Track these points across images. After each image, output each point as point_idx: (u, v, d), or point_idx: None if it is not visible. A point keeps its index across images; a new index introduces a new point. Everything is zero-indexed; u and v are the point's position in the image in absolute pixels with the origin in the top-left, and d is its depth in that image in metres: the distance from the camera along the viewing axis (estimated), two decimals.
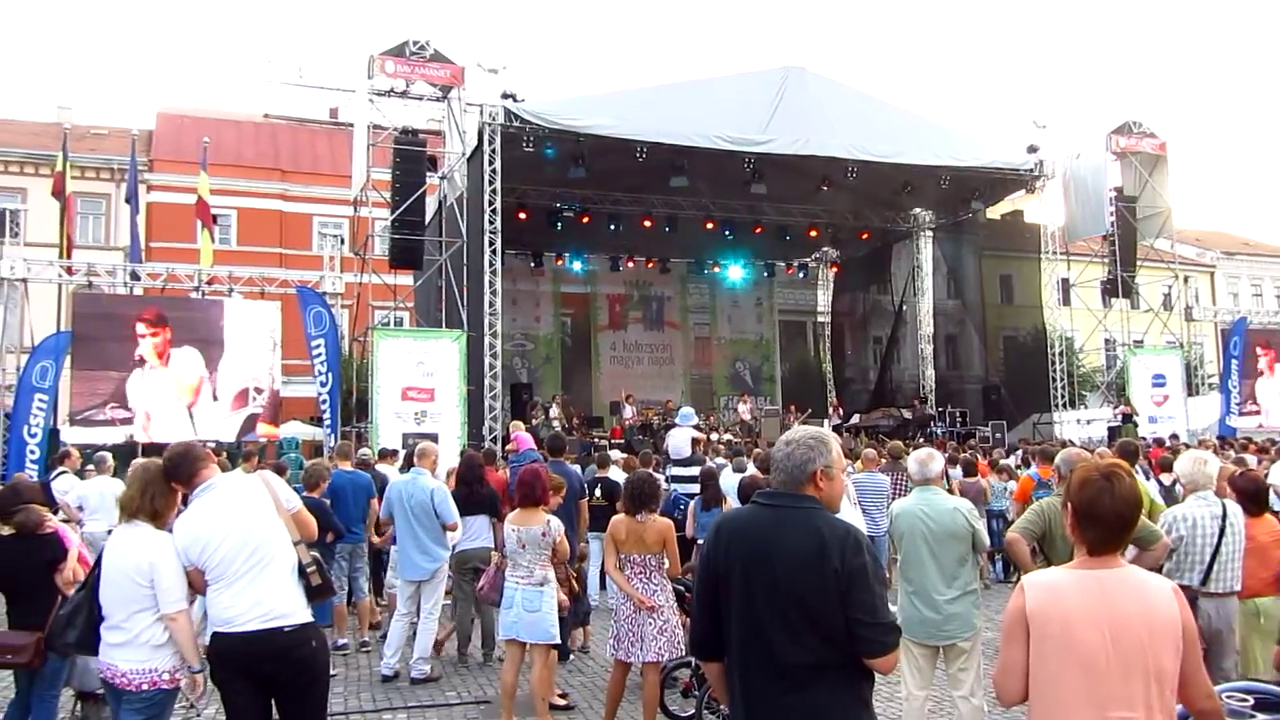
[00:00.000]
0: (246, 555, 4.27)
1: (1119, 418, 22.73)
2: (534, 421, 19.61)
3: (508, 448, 13.41)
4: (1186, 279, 33.28)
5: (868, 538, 3.15)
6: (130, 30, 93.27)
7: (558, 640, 6.69)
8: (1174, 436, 18.98)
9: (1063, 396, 24.57)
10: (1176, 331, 25.97)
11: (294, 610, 4.30)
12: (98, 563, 4.48)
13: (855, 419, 26.74)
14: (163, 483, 4.47)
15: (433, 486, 8.01)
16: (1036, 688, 2.72)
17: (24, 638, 5.32)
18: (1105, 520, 2.73)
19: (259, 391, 18.56)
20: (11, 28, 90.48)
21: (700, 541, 9.02)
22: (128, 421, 17.53)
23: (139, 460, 4.93)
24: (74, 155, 24.66)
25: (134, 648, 4.26)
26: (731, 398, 29.34)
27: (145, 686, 4.26)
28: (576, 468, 11.09)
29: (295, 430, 22.76)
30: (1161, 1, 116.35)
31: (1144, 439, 17.95)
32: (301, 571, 4.37)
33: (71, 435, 17.28)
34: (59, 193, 21.63)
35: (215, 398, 18.22)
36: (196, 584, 4.43)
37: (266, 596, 4.24)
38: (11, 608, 5.72)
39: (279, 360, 19.05)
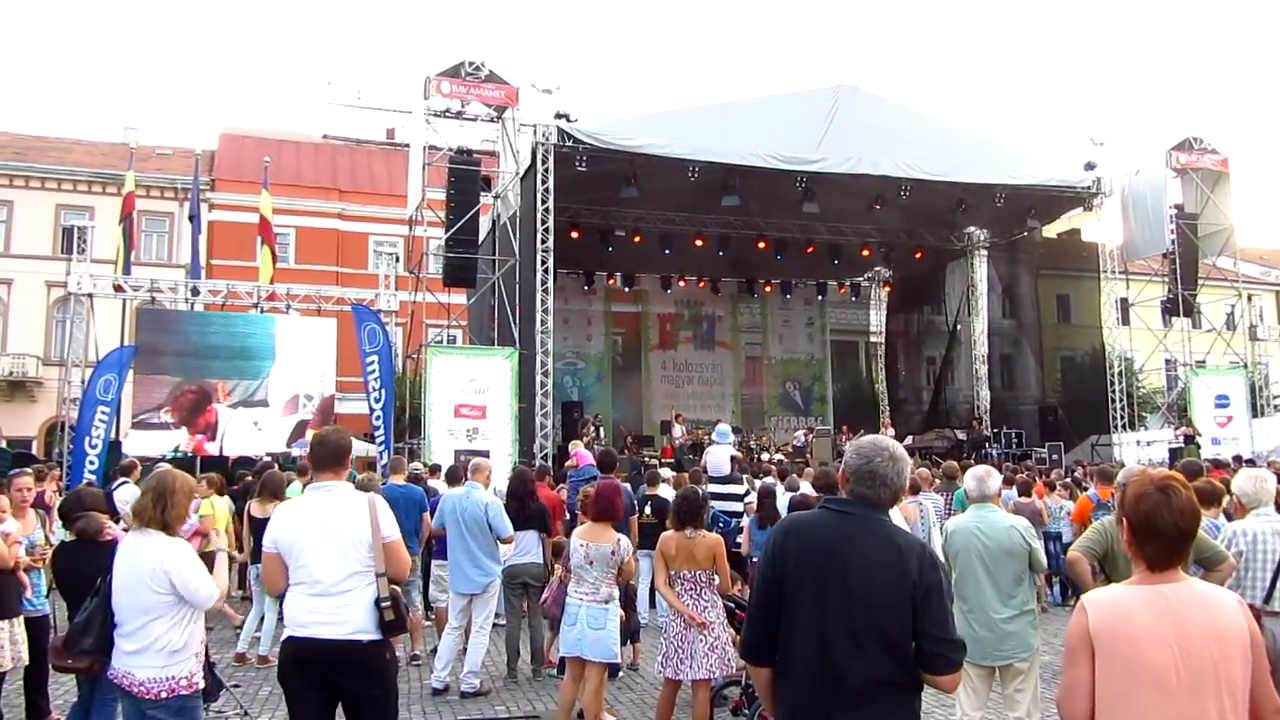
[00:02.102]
0: (342, 570, 4.32)
1: (1181, 439, 22.25)
2: (586, 439, 19.67)
3: (567, 464, 13.61)
4: (1250, 297, 32.52)
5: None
6: (195, 52, 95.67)
7: (618, 659, 6.68)
8: (1237, 458, 18.49)
9: (1122, 418, 24.09)
10: (1240, 351, 25.37)
11: (371, 627, 4.35)
12: (109, 569, 4.49)
13: (909, 440, 26.42)
14: (175, 494, 4.45)
15: (486, 500, 8.05)
16: (1105, 708, 2.64)
17: None
18: (1164, 534, 2.66)
19: (309, 399, 19.01)
20: (81, 51, 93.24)
21: (755, 559, 8.97)
22: (178, 426, 18.11)
23: (158, 468, 4.96)
24: (139, 174, 25.34)
25: (150, 654, 4.28)
26: (783, 417, 29.26)
27: (164, 695, 4.27)
28: (627, 485, 11.08)
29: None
30: (1220, 15, 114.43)
31: (1206, 461, 17.54)
32: (376, 604, 4.37)
33: (132, 439, 17.87)
34: (129, 214, 22.23)
35: (267, 404, 18.69)
36: (274, 573, 4.47)
37: (352, 615, 4.30)
38: (73, 612, 5.83)
39: (332, 371, 19.43)
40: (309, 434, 18.68)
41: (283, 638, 4.47)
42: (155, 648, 4.28)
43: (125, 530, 7.61)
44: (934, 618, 2.86)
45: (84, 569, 5.72)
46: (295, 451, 17.84)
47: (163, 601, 4.28)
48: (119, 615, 4.35)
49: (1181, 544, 2.70)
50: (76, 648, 4.47)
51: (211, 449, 18.38)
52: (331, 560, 4.34)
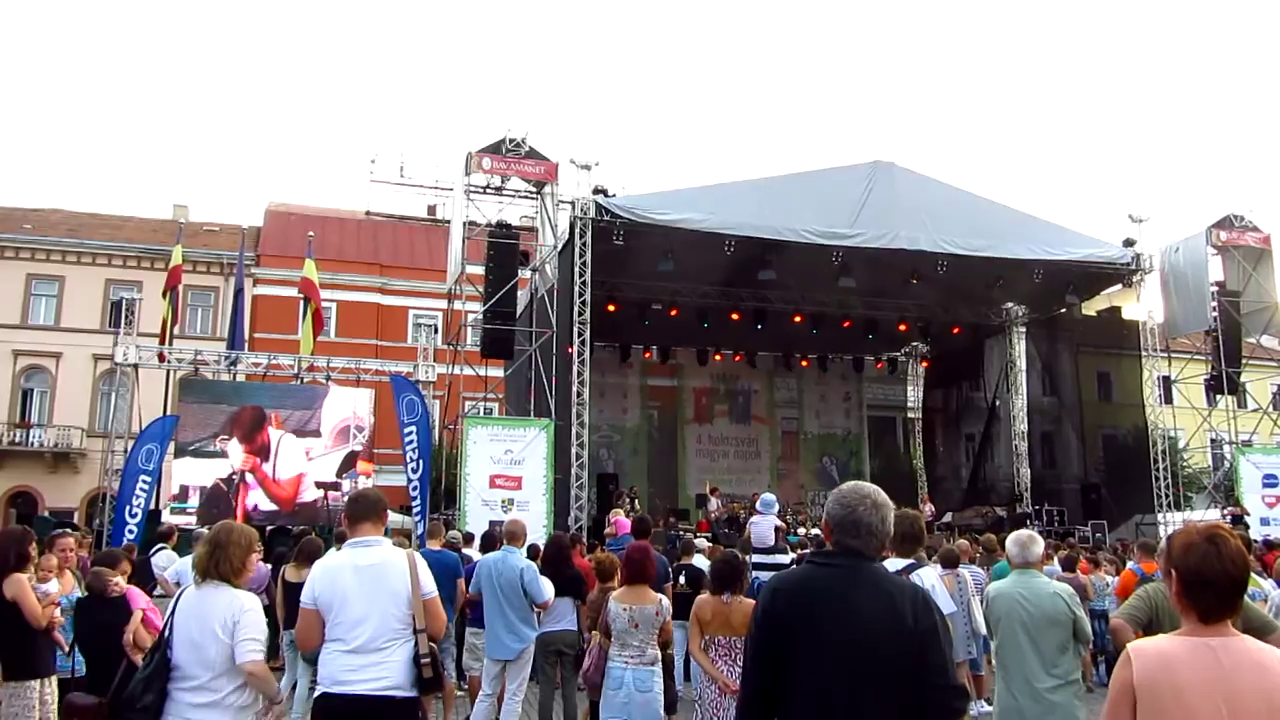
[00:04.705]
0: (381, 626, 4.33)
1: (1228, 518, 21.70)
2: (623, 510, 19.63)
3: (606, 531, 13.68)
4: None
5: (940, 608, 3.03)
6: (244, 131, 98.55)
7: None
8: None
9: (1166, 497, 23.55)
10: None
11: (407, 684, 4.35)
12: (167, 623, 4.48)
13: (948, 517, 26.06)
14: (229, 546, 4.44)
15: (523, 565, 7.98)
16: None
17: (87, 700, 5.21)
18: (1216, 583, 2.59)
19: (359, 430, 19.35)
20: (133, 132, 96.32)
21: None
22: (240, 441, 18.67)
23: (221, 522, 5.00)
24: (187, 250, 25.98)
25: (220, 710, 4.24)
26: (820, 493, 28.96)
27: None
28: (662, 556, 10.98)
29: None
30: (1260, 92, 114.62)
31: (1257, 541, 17.12)
32: (415, 660, 4.37)
33: (180, 467, 18.21)
34: (174, 286, 22.76)
35: (319, 434, 19.36)
36: (310, 630, 4.44)
37: (390, 672, 4.31)
38: (89, 670, 5.85)
39: (372, 415, 19.88)
40: (359, 465, 19.21)
41: (316, 695, 4.44)
42: (225, 703, 4.25)
43: (161, 597, 7.70)
44: (933, 664, 2.77)
45: (94, 624, 5.78)
46: (346, 484, 18.23)
47: (233, 655, 4.27)
48: (187, 669, 4.30)
49: (1233, 594, 2.62)
50: (139, 704, 4.41)
51: (266, 470, 18.76)
52: (371, 616, 4.35)
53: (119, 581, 6.21)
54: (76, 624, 6.17)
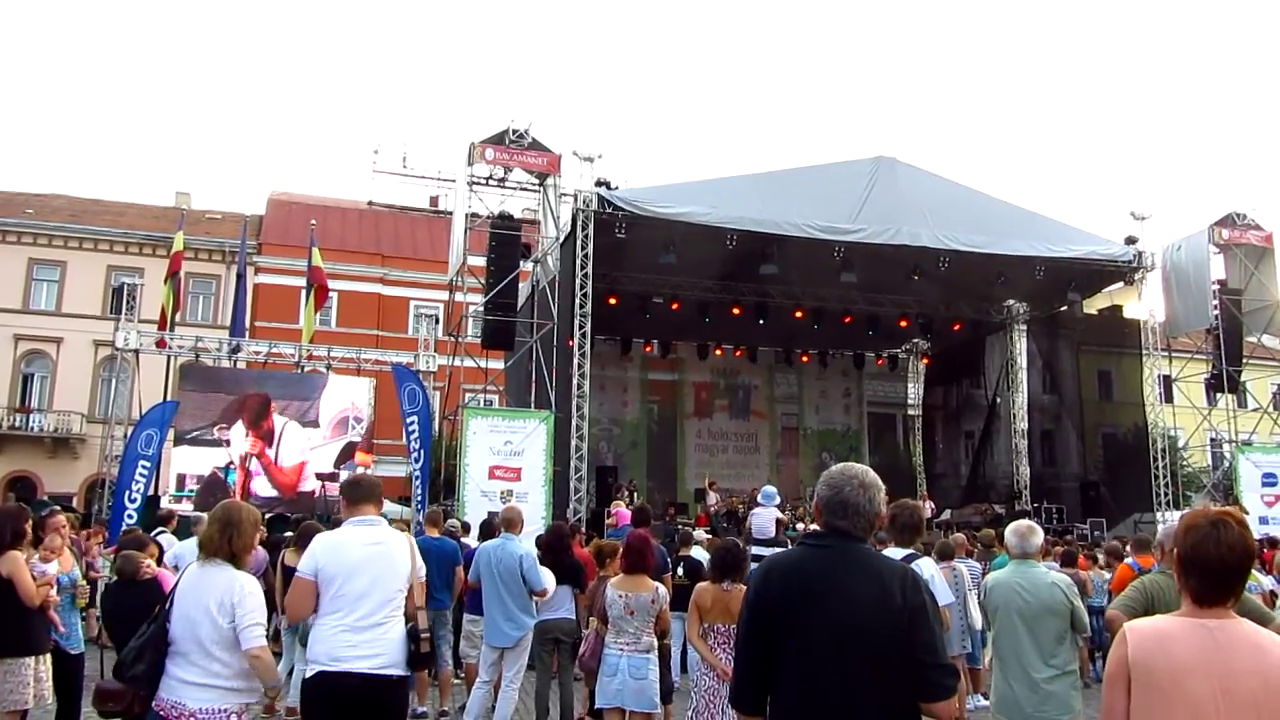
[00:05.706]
0: (381, 604, 4.41)
1: None
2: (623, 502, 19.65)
3: (608, 521, 13.78)
4: None
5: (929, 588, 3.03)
6: (247, 119, 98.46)
7: (659, 709, 6.60)
8: None
9: (1166, 496, 23.57)
10: None
11: (401, 663, 4.44)
12: (169, 597, 4.49)
13: (947, 514, 26.07)
14: (241, 525, 4.44)
15: (522, 552, 7.95)
16: None
17: (117, 685, 5.34)
18: (1209, 567, 2.60)
19: (358, 421, 19.39)
20: (136, 119, 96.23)
21: None
22: (246, 427, 18.77)
23: (224, 501, 5.02)
24: (188, 237, 26.01)
25: (208, 689, 4.22)
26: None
27: None
28: (661, 547, 10.97)
29: (385, 509, 23.11)
30: (1264, 90, 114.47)
31: (1257, 539, 17.10)
32: (414, 636, 4.46)
33: (179, 456, 18.23)
34: (175, 272, 22.78)
35: (318, 424, 19.39)
36: (304, 599, 4.46)
37: (385, 649, 4.38)
38: (119, 651, 5.86)
39: (371, 411, 19.86)
40: (358, 456, 19.28)
41: (309, 673, 4.43)
42: (214, 683, 4.24)
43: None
44: (922, 642, 2.78)
45: (126, 606, 5.79)
46: (343, 475, 18.34)
47: (227, 635, 4.26)
48: (180, 644, 4.30)
49: (1228, 579, 2.62)
50: (129, 673, 4.43)
51: (270, 455, 18.88)
52: (374, 592, 4.42)
53: (150, 564, 6.23)
54: (106, 607, 6.17)
